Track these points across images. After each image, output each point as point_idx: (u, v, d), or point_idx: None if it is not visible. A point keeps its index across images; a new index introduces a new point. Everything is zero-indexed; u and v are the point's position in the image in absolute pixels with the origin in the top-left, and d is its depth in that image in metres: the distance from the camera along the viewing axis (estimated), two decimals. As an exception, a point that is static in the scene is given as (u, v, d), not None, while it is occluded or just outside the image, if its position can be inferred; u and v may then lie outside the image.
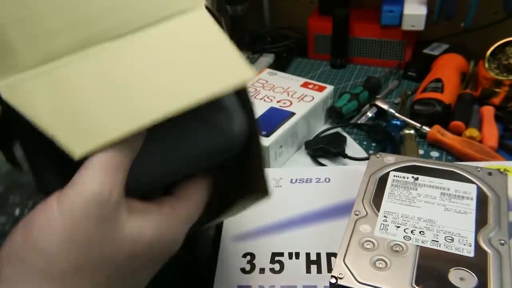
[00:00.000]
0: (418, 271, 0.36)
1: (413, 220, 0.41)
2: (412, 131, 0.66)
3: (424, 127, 0.67)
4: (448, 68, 0.76)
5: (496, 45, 0.72)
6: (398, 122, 0.69)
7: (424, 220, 0.40)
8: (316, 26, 0.90)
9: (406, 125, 0.69)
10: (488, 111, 0.69)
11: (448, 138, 0.65)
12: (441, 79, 0.72)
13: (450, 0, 0.76)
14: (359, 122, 0.72)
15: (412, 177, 0.45)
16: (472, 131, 0.65)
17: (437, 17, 0.79)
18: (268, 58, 0.92)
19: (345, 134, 0.70)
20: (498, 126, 0.66)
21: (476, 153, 0.60)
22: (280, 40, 0.96)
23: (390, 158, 0.48)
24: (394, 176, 0.46)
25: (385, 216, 0.41)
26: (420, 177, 0.45)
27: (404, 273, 0.36)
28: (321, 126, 0.72)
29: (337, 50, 0.87)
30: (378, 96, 0.75)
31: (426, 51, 0.85)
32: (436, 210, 0.41)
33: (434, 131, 0.66)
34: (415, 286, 0.34)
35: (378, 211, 0.42)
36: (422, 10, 0.78)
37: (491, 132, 0.65)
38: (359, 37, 0.87)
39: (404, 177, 0.46)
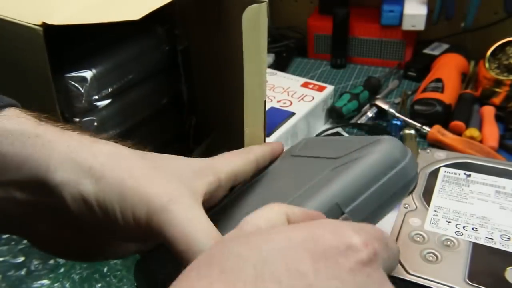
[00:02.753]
0: (472, 267, 0.36)
1: (465, 216, 0.41)
2: (412, 131, 0.66)
3: (424, 127, 0.67)
4: (448, 68, 0.76)
5: (496, 45, 0.72)
6: (398, 122, 0.69)
7: (477, 217, 0.40)
8: (316, 26, 0.90)
9: (406, 125, 0.68)
10: (488, 111, 0.69)
11: (449, 138, 0.64)
12: (441, 79, 0.72)
13: (450, 0, 0.76)
14: (359, 122, 0.71)
15: (464, 173, 0.46)
16: (473, 131, 0.65)
17: (437, 17, 0.79)
18: (268, 58, 0.92)
19: (345, 134, 0.70)
20: (499, 126, 0.66)
21: (476, 153, 0.60)
22: (280, 40, 0.96)
23: (440, 154, 0.49)
24: (445, 172, 0.46)
25: (435, 211, 0.42)
26: (473, 174, 0.45)
27: (456, 267, 0.36)
28: (321, 126, 0.72)
29: (337, 50, 0.87)
30: (378, 96, 0.74)
31: (426, 51, 0.85)
32: (490, 207, 0.41)
33: (434, 131, 0.66)
34: (468, 282, 0.34)
35: (428, 206, 0.42)
36: (422, 10, 0.78)
37: (491, 132, 0.65)
38: (359, 37, 0.87)
39: (455, 173, 0.46)
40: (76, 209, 0.26)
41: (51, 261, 0.48)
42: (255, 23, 0.38)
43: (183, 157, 0.31)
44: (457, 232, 0.39)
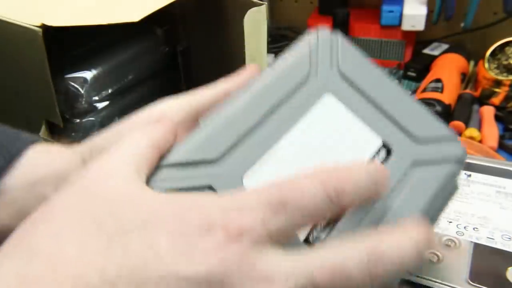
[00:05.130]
0: (473, 267, 0.35)
1: (466, 216, 0.41)
2: (412, 131, 0.66)
3: (424, 127, 0.67)
4: (448, 68, 0.76)
5: (496, 45, 0.72)
6: (398, 122, 0.69)
7: (478, 217, 0.40)
8: (316, 26, 0.90)
9: (406, 125, 0.68)
10: (488, 111, 0.69)
11: (448, 138, 0.64)
12: (441, 79, 0.72)
13: (450, 0, 0.76)
14: (359, 122, 0.71)
15: (465, 173, 0.45)
16: (472, 131, 0.65)
17: (436, 17, 0.79)
18: (268, 58, 0.92)
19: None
20: (498, 126, 0.66)
21: (476, 153, 0.60)
22: (280, 40, 0.96)
23: None
24: None
25: None
26: (473, 174, 0.45)
27: (458, 268, 0.35)
28: (321, 126, 0.72)
29: (337, 50, 0.87)
30: (378, 96, 0.74)
31: (426, 51, 0.85)
32: (491, 208, 0.41)
33: (434, 131, 0.66)
34: (470, 282, 0.34)
35: None
36: (422, 10, 0.78)
37: (491, 132, 0.65)
38: (359, 37, 0.87)
39: None
40: None
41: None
42: (256, 26, 0.38)
43: None
44: (458, 232, 0.39)
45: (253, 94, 0.26)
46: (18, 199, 0.25)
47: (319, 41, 0.30)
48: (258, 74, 0.28)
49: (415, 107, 0.30)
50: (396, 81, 0.31)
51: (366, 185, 0.21)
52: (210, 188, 0.23)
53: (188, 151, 0.24)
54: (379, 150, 0.27)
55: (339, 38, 0.30)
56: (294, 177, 0.20)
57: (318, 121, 0.27)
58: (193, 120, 0.29)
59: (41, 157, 0.26)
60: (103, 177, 0.22)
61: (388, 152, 0.28)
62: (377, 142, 0.28)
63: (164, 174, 0.23)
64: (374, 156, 0.27)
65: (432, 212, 0.28)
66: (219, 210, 0.19)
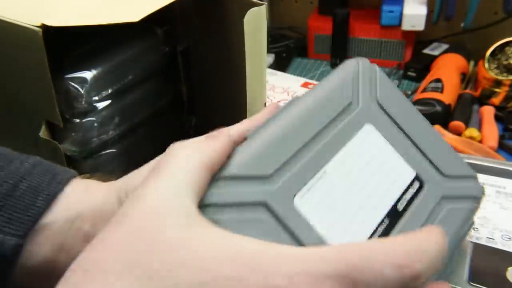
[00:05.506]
0: (473, 267, 0.36)
1: None
2: (412, 131, 0.66)
3: (424, 127, 0.67)
4: (448, 68, 0.76)
5: (496, 45, 0.72)
6: (398, 122, 0.69)
7: (478, 217, 0.40)
8: (316, 26, 0.90)
9: (406, 125, 0.68)
10: (488, 111, 0.69)
11: (448, 138, 0.64)
12: (441, 79, 0.72)
13: (450, 0, 0.76)
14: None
15: None
16: (472, 131, 0.65)
17: (436, 17, 0.79)
18: (268, 58, 0.92)
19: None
20: (498, 126, 0.66)
21: (476, 153, 0.60)
22: (280, 40, 0.96)
23: None
24: None
25: None
26: None
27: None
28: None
29: (337, 50, 0.87)
30: (378, 96, 0.74)
31: (426, 51, 0.85)
32: (491, 208, 0.41)
33: (434, 131, 0.66)
34: (470, 282, 0.34)
35: None
36: (422, 10, 0.78)
37: (491, 132, 0.65)
38: (359, 37, 0.87)
39: None
40: None
41: None
42: (256, 26, 0.38)
43: None
44: None
45: (302, 114, 0.27)
46: (59, 234, 0.26)
47: (360, 70, 0.31)
48: (303, 95, 0.29)
49: (442, 143, 0.32)
50: (424, 118, 0.33)
51: (438, 263, 0.21)
52: (264, 205, 0.24)
53: (242, 165, 0.24)
54: (413, 182, 0.29)
55: (377, 69, 0.32)
56: (370, 252, 0.20)
57: (360, 149, 0.28)
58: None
59: (79, 194, 0.28)
60: (154, 216, 0.20)
61: (421, 184, 0.29)
62: (411, 174, 0.29)
63: (218, 187, 0.23)
64: (408, 187, 0.29)
65: (453, 243, 0.30)
66: (285, 276, 0.19)
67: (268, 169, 0.25)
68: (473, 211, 0.31)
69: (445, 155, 0.31)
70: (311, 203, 0.25)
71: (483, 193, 0.32)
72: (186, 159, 0.23)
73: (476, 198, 0.32)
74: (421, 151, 0.30)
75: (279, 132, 0.26)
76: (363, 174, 0.28)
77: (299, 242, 0.24)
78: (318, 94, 0.29)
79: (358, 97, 0.30)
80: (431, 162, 0.30)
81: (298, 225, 0.24)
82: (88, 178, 0.30)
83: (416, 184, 0.29)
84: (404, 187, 0.29)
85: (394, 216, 0.27)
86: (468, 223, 0.31)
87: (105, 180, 0.30)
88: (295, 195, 0.25)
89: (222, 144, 0.24)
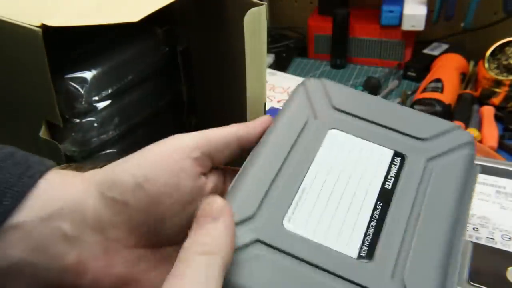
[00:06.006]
0: (473, 267, 0.36)
1: None
2: (412, 131, 0.66)
3: (424, 127, 0.67)
4: (448, 68, 0.76)
5: (496, 45, 0.72)
6: (398, 122, 0.69)
7: (478, 217, 0.40)
8: (316, 26, 0.90)
9: (406, 125, 0.68)
10: (488, 111, 0.69)
11: (448, 138, 0.64)
12: (441, 79, 0.72)
13: (450, 0, 0.76)
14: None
15: None
16: (472, 131, 0.65)
17: (436, 17, 0.79)
18: (268, 58, 0.92)
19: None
20: (498, 126, 0.66)
21: (476, 153, 0.60)
22: (280, 40, 0.96)
23: None
24: None
25: None
26: None
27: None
28: (321, 126, 0.72)
29: (337, 50, 0.87)
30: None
31: (426, 51, 0.85)
32: (491, 208, 0.41)
33: (434, 131, 0.66)
34: (470, 282, 0.34)
35: None
36: (422, 10, 0.78)
37: (491, 132, 0.65)
38: (359, 37, 0.87)
39: None
40: None
41: None
42: (256, 26, 0.38)
43: None
44: None
45: (267, 147, 0.30)
46: (33, 233, 0.24)
47: (308, 89, 0.33)
48: (270, 124, 0.32)
49: (408, 112, 0.33)
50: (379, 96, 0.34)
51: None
52: (258, 241, 0.26)
53: None
54: (393, 159, 0.30)
55: (324, 80, 0.34)
56: None
57: (332, 154, 0.30)
58: (207, 158, 0.29)
59: (55, 189, 0.25)
60: None
61: (402, 158, 0.30)
62: (389, 153, 0.30)
63: None
64: (390, 166, 0.30)
65: (467, 193, 0.30)
66: None
67: (251, 209, 0.27)
68: (469, 156, 0.31)
69: (415, 121, 0.32)
70: (300, 221, 0.27)
71: (470, 136, 0.32)
72: (200, 272, 0.22)
73: (467, 144, 0.31)
74: (390, 128, 0.31)
75: (252, 172, 0.28)
76: (342, 174, 0.29)
77: (299, 259, 0.25)
78: (280, 120, 0.31)
79: (314, 112, 0.32)
80: (403, 133, 0.31)
81: (294, 244, 0.26)
82: (64, 168, 0.28)
83: (397, 160, 0.30)
84: (386, 167, 0.30)
85: (385, 197, 0.28)
86: (472, 167, 0.31)
87: (82, 169, 0.28)
88: (282, 221, 0.27)
89: (226, 231, 0.25)
